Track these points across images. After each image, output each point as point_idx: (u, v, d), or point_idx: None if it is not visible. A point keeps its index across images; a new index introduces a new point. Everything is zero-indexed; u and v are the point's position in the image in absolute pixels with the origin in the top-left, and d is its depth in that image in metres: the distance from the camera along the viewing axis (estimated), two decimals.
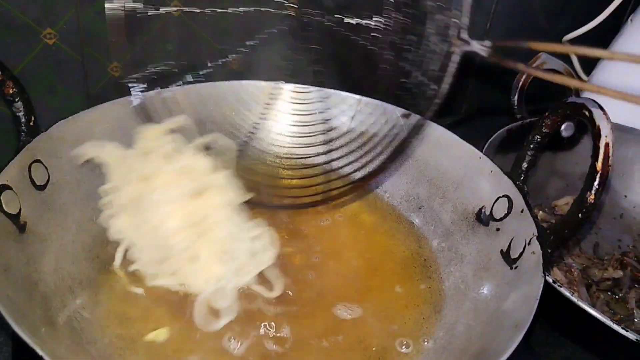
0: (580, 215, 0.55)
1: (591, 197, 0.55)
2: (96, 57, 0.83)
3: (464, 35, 0.56)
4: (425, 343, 0.59)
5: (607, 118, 0.55)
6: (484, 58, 0.56)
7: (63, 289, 0.58)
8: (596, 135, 0.55)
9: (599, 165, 0.54)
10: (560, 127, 0.63)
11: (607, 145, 0.54)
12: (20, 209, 0.57)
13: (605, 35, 0.93)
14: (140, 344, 0.56)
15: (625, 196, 0.85)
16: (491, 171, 0.68)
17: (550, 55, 0.85)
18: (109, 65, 0.84)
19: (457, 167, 0.72)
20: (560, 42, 0.96)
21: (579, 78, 0.95)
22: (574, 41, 0.95)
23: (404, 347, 0.59)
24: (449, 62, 0.58)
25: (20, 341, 0.44)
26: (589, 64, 0.96)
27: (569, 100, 0.61)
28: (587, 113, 0.57)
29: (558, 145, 0.80)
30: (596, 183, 0.54)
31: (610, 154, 0.54)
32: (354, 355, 0.58)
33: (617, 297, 0.72)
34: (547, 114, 0.63)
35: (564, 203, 0.81)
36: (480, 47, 0.56)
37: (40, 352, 0.44)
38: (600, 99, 0.57)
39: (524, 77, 0.83)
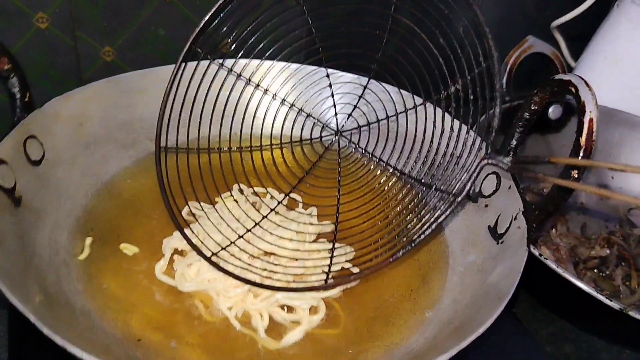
0: (563, 190, 0.56)
1: (574, 173, 0.55)
2: (88, 42, 0.83)
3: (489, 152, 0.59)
4: (412, 315, 0.61)
5: (593, 94, 0.56)
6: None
7: (57, 262, 0.59)
8: (581, 110, 0.55)
9: (582, 140, 0.55)
10: (548, 109, 0.64)
11: (591, 120, 0.55)
12: (15, 184, 0.58)
13: (592, 21, 0.94)
14: (133, 316, 0.57)
15: (612, 177, 0.86)
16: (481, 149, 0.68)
17: (537, 38, 0.86)
18: (102, 49, 0.85)
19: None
20: (548, 28, 0.97)
21: (566, 62, 0.96)
22: (562, 27, 0.96)
23: (390, 318, 0.60)
24: (473, 174, 0.59)
25: (16, 314, 0.45)
26: (578, 48, 0.97)
27: (556, 78, 0.61)
28: (573, 89, 0.57)
29: (546, 128, 0.81)
30: (580, 158, 0.55)
31: (594, 130, 0.55)
32: (346, 323, 0.59)
33: (603, 274, 0.73)
34: (535, 91, 0.64)
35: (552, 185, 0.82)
36: (503, 162, 0.58)
37: (32, 320, 0.45)
38: (589, 79, 0.58)
39: (512, 60, 0.84)
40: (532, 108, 0.64)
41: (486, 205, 0.66)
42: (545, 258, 0.60)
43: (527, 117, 0.65)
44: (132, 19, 0.84)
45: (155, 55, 0.87)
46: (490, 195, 0.66)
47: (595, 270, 0.74)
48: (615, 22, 0.89)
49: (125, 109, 0.73)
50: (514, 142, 0.66)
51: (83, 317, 0.55)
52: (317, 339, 0.58)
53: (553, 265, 0.59)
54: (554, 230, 0.77)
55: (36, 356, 0.57)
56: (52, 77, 0.82)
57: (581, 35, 0.95)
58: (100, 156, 0.70)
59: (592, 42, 0.93)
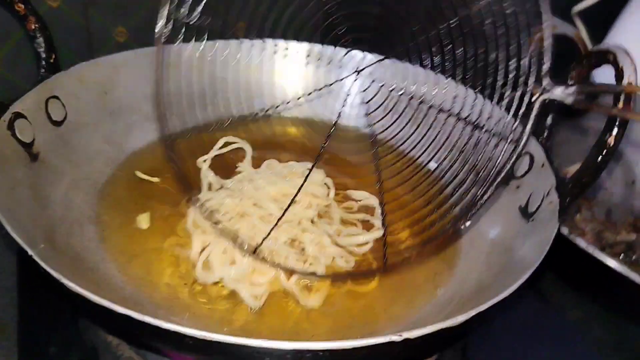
0: (599, 158, 0.53)
1: (610, 139, 0.52)
2: (101, 21, 0.82)
3: (546, 81, 0.51)
4: (436, 290, 0.58)
5: (632, 60, 0.53)
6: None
7: (70, 219, 0.58)
8: (618, 76, 0.52)
9: (620, 106, 0.51)
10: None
11: (629, 84, 0.51)
12: (33, 139, 0.58)
13: (614, 7, 0.90)
14: (143, 281, 0.56)
15: (638, 163, 0.82)
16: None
17: (559, 19, 0.84)
18: (114, 29, 0.83)
19: None
20: (568, 13, 0.94)
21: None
22: (582, 13, 0.93)
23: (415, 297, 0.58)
24: (529, 113, 0.53)
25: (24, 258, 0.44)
26: (598, 34, 0.93)
27: (594, 49, 0.58)
28: (611, 57, 0.54)
29: (569, 113, 0.78)
30: (616, 125, 0.52)
31: (632, 95, 0.51)
32: (366, 302, 0.57)
33: (630, 260, 0.71)
34: (572, 65, 0.60)
35: (576, 170, 0.79)
36: (563, 94, 0.52)
37: (30, 252, 0.44)
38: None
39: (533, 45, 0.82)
40: (570, 83, 0.61)
41: (518, 187, 0.63)
42: (575, 236, 0.56)
43: None
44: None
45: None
46: (522, 176, 0.63)
47: (622, 256, 0.71)
48: (637, 7, 0.86)
49: (153, 81, 0.72)
50: (550, 121, 0.63)
51: (89, 271, 0.54)
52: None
53: (583, 245, 0.56)
54: (578, 215, 0.75)
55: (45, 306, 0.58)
56: (64, 57, 0.75)
57: (602, 21, 0.92)
58: (123, 125, 0.70)
59: (613, 28, 0.90)
